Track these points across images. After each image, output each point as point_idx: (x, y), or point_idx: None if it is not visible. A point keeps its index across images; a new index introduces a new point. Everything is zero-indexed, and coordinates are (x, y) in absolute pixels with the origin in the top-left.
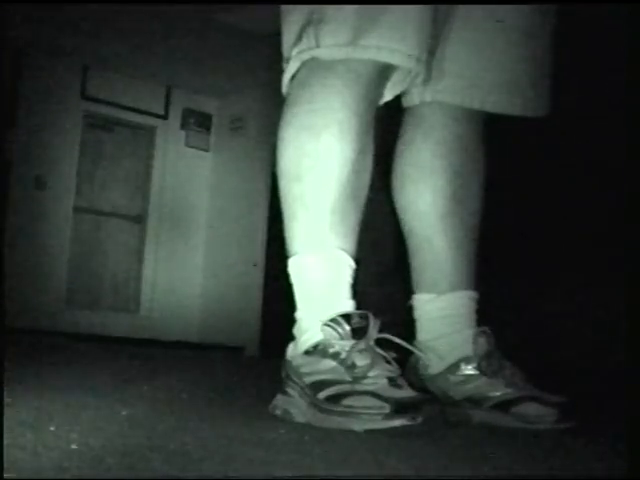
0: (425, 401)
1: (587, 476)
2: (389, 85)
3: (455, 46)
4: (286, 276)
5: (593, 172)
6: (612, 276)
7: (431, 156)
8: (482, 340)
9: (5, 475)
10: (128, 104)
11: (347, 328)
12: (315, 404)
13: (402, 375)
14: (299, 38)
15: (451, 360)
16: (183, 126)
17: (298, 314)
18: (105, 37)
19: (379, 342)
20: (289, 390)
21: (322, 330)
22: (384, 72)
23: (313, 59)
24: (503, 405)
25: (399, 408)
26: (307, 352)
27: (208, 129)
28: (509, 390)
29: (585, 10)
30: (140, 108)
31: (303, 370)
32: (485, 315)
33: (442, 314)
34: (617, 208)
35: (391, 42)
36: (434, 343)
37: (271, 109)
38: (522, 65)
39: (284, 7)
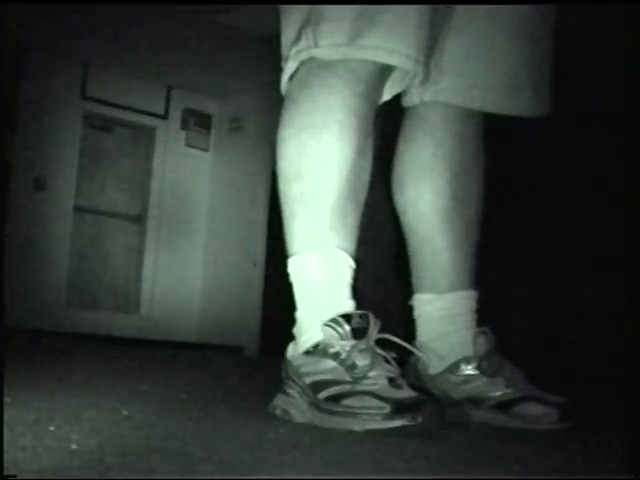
0: (425, 401)
1: (587, 476)
2: (388, 85)
3: (454, 46)
4: (286, 276)
5: (593, 172)
6: (612, 276)
7: (431, 156)
8: (482, 340)
9: (5, 475)
10: (128, 104)
11: (347, 328)
12: (315, 404)
13: (402, 375)
14: (298, 38)
15: (451, 360)
16: (183, 126)
17: (298, 314)
18: (105, 37)
19: (379, 342)
20: (289, 390)
21: (322, 330)
22: (383, 72)
23: (312, 59)
24: (503, 405)
25: (399, 408)
26: (307, 352)
27: (208, 129)
28: (509, 390)
29: (585, 10)
30: (140, 108)
31: (303, 370)
32: (485, 315)
33: (442, 314)
34: (617, 208)
35: (389, 42)
36: (434, 343)
37: (271, 109)
38: (522, 65)
39: (283, 7)
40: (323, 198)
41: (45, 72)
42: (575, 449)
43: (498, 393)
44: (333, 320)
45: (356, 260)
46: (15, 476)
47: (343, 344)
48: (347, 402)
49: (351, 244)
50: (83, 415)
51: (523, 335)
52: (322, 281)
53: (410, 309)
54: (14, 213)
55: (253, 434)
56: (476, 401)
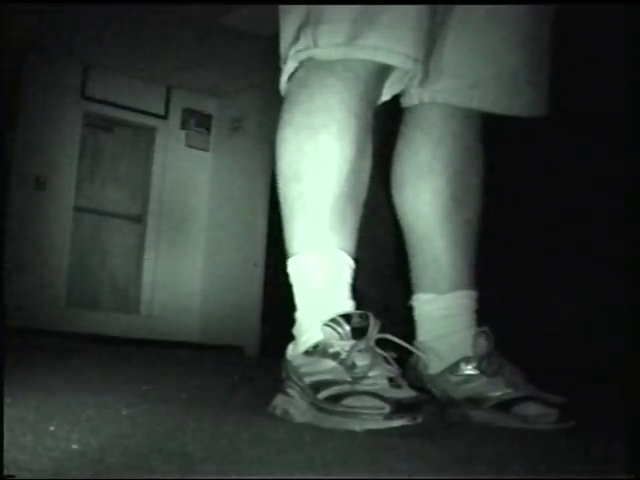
0: (425, 401)
1: (587, 476)
2: (387, 85)
3: (453, 46)
4: (286, 276)
5: (593, 172)
6: (612, 276)
7: (430, 156)
8: (482, 340)
9: (5, 475)
10: (128, 104)
11: (347, 328)
12: (315, 404)
13: (402, 375)
14: (297, 38)
15: (451, 360)
16: (183, 126)
17: (298, 314)
18: (105, 37)
19: (379, 342)
20: (289, 390)
21: (322, 330)
22: (382, 72)
23: (311, 59)
24: (503, 405)
25: (399, 408)
26: (307, 352)
27: (208, 129)
28: (509, 390)
29: (585, 10)
30: (140, 108)
31: (303, 370)
32: (485, 315)
33: (442, 314)
34: (617, 208)
35: (388, 42)
36: (434, 343)
37: (271, 109)
38: (521, 65)
39: (282, 7)
40: (322, 198)
41: (45, 72)
42: (575, 449)
43: (498, 393)
44: (333, 320)
45: (356, 260)
46: (15, 476)
47: (343, 344)
48: (347, 402)
49: (351, 244)
50: (83, 415)
51: (523, 335)
52: (322, 281)
53: (410, 309)
54: (14, 213)
55: (253, 434)
56: (476, 401)
